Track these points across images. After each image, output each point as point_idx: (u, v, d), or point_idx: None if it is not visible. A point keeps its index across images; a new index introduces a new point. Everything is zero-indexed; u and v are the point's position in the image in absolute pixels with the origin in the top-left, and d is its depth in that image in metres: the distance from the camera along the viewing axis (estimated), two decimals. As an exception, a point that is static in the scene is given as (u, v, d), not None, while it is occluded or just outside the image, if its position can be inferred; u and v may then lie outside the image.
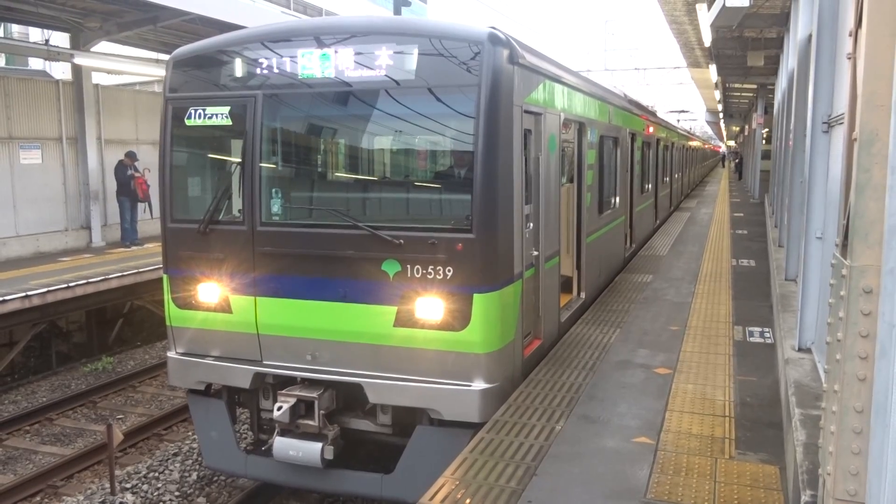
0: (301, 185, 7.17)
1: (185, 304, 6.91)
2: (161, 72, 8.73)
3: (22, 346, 12.22)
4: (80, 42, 15.64)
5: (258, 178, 6.53)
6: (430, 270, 5.99)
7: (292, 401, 6.30)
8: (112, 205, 16.66)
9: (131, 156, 15.98)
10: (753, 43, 18.54)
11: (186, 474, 8.40)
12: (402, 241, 6.03)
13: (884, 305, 2.53)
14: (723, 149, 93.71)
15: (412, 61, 6.06)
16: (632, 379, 6.73)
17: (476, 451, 5.15)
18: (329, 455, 6.33)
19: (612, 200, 11.86)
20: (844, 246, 2.93)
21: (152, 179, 15.71)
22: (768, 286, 10.77)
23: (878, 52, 2.77)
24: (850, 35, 3.56)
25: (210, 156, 7.44)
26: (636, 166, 14.50)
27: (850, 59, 3.61)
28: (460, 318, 5.96)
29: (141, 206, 16.30)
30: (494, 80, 5.92)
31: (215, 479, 8.31)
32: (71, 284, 11.98)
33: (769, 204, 20.22)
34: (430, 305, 6.00)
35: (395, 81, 6.12)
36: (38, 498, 8.30)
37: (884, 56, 2.74)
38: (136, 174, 15.98)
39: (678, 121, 53.12)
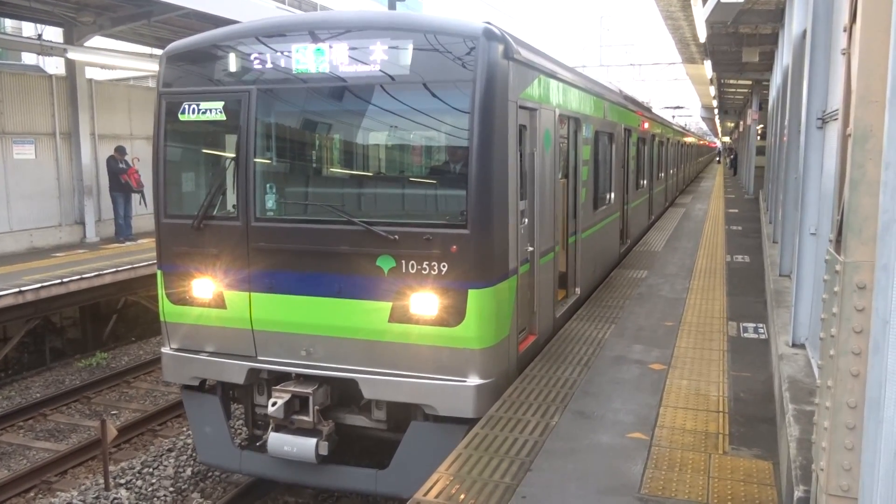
0: (296, 181, 7.16)
1: (180, 299, 6.90)
2: (155, 67, 8.68)
3: (16, 342, 12.17)
4: (74, 37, 15.56)
5: (252, 173, 6.51)
6: (424, 266, 5.99)
7: (287, 396, 6.29)
8: (106, 200, 16.59)
9: (120, 150, 15.94)
10: (748, 39, 18.54)
11: (181, 470, 8.39)
12: (396, 236, 6.03)
13: (877, 301, 2.53)
14: (718, 145, 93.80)
15: (407, 56, 6.05)
16: (626, 375, 6.74)
17: (471, 447, 5.15)
18: (323, 451, 6.33)
19: (607, 196, 11.86)
20: (838, 242, 2.93)
21: (142, 170, 15.68)
22: (762, 282, 10.79)
23: (872, 47, 2.76)
24: (845, 31, 3.56)
25: (204, 151, 7.42)
26: (631, 162, 14.51)
27: (844, 54, 3.61)
28: (455, 314, 5.96)
29: (136, 197, 16.24)
30: (489, 76, 5.91)
31: (210, 474, 8.30)
32: (65, 280, 11.93)
33: (763, 200, 20.26)
34: (425, 301, 6.00)
35: (390, 77, 6.10)
36: (32, 493, 8.28)
37: (878, 52, 2.74)
38: (127, 167, 15.91)
39: (673, 117, 53.18)
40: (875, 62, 2.75)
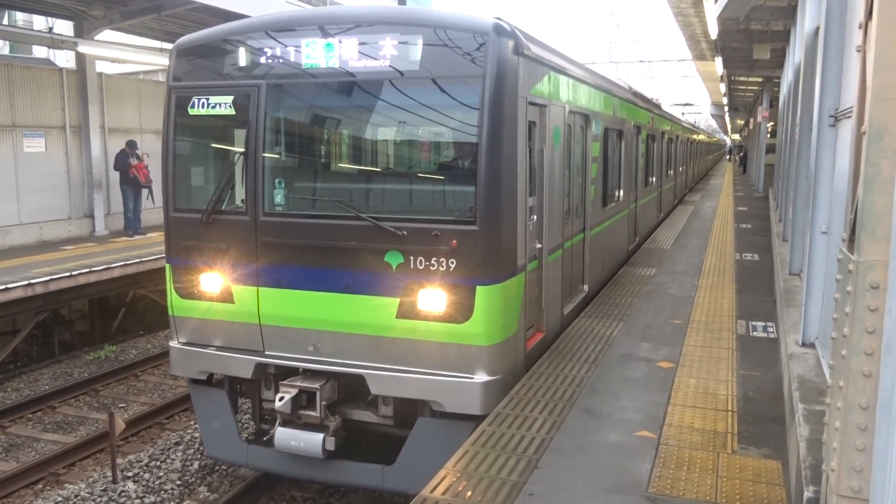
0: (304, 176, 7.15)
1: (188, 293, 6.91)
2: (165, 61, 8.73)
3: (25, 334, 12.24)
4: (84, 30, 15.61)
5: (261, 168, 6.51)
6: (433, 262, 5.98)
7: (294, 391, 6.30)
8: (115, 194, 16.66)
9: (131, 145, 15.98)
10: (759, 36, 18.44)
11: (188, 463, 8.42)
12: (405, 232, 6.01)
13: (891, 301, 2.50)
14: (728, 142, 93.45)
15: (416, 52, 6.03)
16: (634, 372, 6.72)
17: (477, 444, 5.14)
18: (330, 446, 6.33)
19: (616, 193, 11.82)
20: (851, 241, 2.90)
21: (152, 165, 15.73)
22: (772, 280, 10.74)
23: (889, 44, 2.73)
24: (860, 27, 3.52)
25: (213, 145, 7.42)
26: (640, 159, 14.46)
27: (859, 51, 3.57)
28: (463, 311, 5.94)
29: (145, 192, 16.30)
30: (499, 72, 5.89)
31: (217, 468, 8.33)
32: (74, 273, 11.99)
33: (773, 198, 20.16)
34: (433, 297, 5.99)
35: (399, 72, 6.09)
36: (40, 485, 8.32)
37: (895, 49, 2.70)
38: (136, 161, 15.95)
39: (683, 114, 52.96)
40: (891, 59, 2.72)
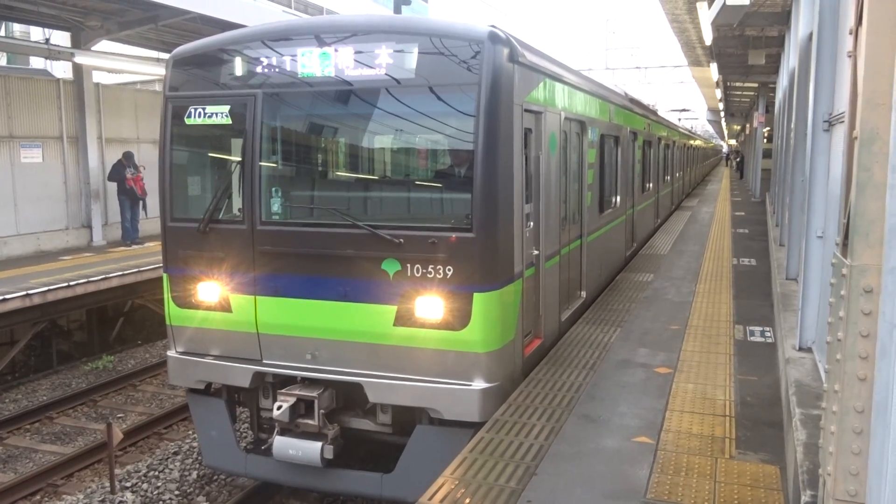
0: (301, 184, 7.17)
1: (185, 303, 6.91)
2: (161, 71, 8.77)
3: (23, 345, 12.21)
4: (81, 41, 15.65)
5: (258, 177, 6.52)
6: (429, 270, 5.98)
7: (292, 400, 6.29)
8: (113, 204, 16.67)
9: (128, 156, 16.00)
10: (754, 41, 18.53)
11: (186, 473, 8.40)
12: (401, 240, 6.02)
13: (884, 305, 2.51)
14: (724, 148, 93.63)
15: (412, 60, 6.05)
16: (632, 378, 6.72)
17: (476, 451, 5.14)
18: (329, 454, 6.32)
19: (613, 199, 11.84)
20: (845, 245, 2.92)
21: (149, 177, 15.74)
22: (769, 285, 10.75)
23: (878, 50, 2.75)
24: (851, 33, 3.55)
25: (210, 155, 7.43)
26: (637, 165, 14.48)
27: (850, 57, 3.59)
28: (460, 318, 5.95)
29: (140, 202, 16.32)
30: (494, 79, 5.91)
31: (215, 478, 8.31)
32: (71, 283, 11.97)
33: (770, 203, 20.21)
34: (430, 305, 5.99)
35: (396, 80, 6.11)
36: (38, 496, 8.30)
37: (884, 54, 2.73)
38: (133, 173, 15.96)
39: (679, 119, 53.04)
40: (881, 64, 2.74)
